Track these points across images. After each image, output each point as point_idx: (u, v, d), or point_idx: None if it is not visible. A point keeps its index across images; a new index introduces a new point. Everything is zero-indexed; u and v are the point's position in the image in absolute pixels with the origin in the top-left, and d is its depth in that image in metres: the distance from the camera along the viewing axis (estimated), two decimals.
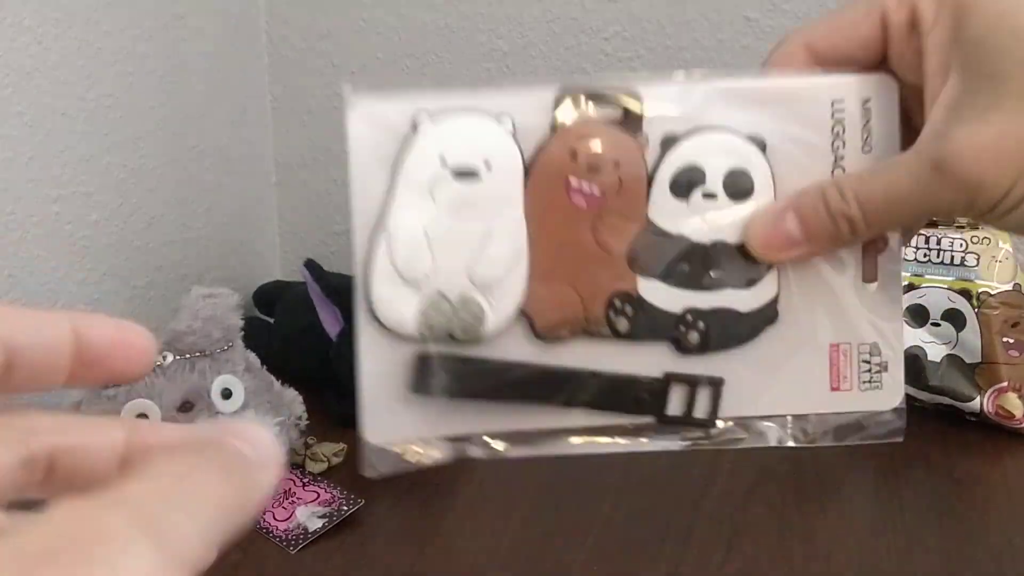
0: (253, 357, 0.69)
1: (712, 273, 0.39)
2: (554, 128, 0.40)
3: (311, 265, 0.81)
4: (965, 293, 0.82)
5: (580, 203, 0.40)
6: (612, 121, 0.40)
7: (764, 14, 0.84)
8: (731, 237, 0.39)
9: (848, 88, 0.39)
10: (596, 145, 0.40)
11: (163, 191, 0.81)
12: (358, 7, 0.95)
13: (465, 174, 0.39)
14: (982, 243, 0.81)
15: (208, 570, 0.17)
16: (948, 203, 0.35)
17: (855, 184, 0.36)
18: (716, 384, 0.39)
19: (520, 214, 0.40)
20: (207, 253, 0.87)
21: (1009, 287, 0.80)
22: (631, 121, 0.40)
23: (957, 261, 0.82)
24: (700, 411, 0.39)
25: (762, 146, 0.40)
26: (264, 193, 0.98)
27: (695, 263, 0.39)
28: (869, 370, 0.39)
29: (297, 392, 0.71)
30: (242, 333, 0.68)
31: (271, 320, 0.89)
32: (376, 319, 0.40)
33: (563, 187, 0.40)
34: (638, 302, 0.39)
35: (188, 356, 0.63)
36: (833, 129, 0.39)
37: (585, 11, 0.90)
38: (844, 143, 0.39)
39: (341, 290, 0.76)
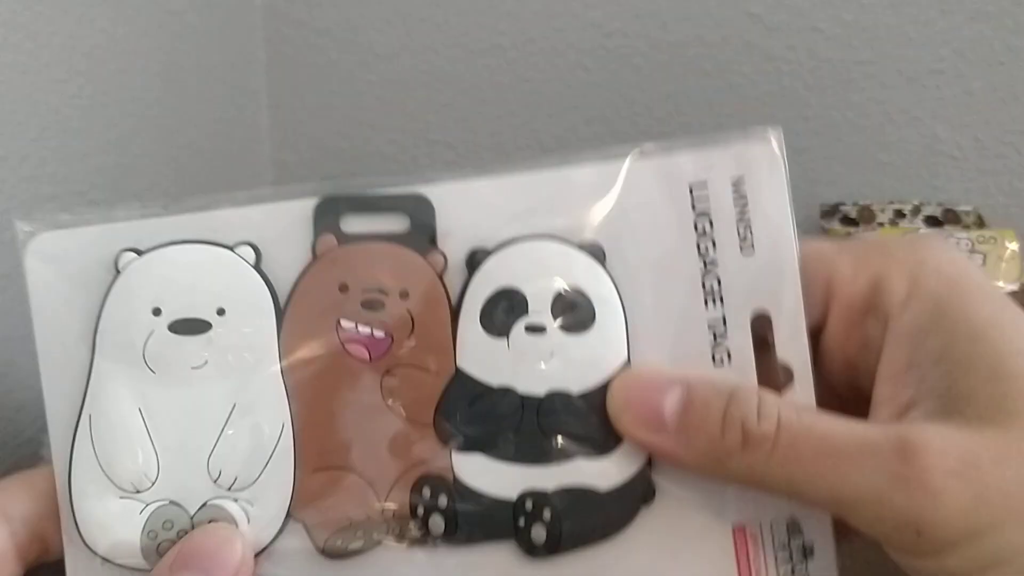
0: None
1: (553, 438, 0.28)
2: (316, 252, 0.28)
3: None
4: None
5: (359, 353, 0.28)
6: (395, 237, 0.29)
7: (768, 9, 0.80)
8: (573, 384, 0.28)
9: (710, 165, 0.28)
10: (374, 271, 0.28)
11: (158, 190, 0.79)
12: (357, 3, 0.90)
13: (189, 327, 0.27)
14: (988, 242, 0.75)
15: None
16: (891, 507, 0.24)
17: (785, 405, 0.26)
18: None
19: (276, 376, 0.28)
20: None
21: (1016, 286, 0.74)
22: (420, 235, 0.29)
23: None
24: None
25: (599, 255, 0.29)
26: None
27: (528, 425, 0.28)
28: (789, 558, 0.28)
29: None
30: None
31: None
32: (85, 545, 0.27)
33: (334, 333, 0.28)
34: (456, 488, 0.28)
35: None
36: (696, 225, 0.28)
37: (586, 7, 0.86)
38: (714, 243, 0.28)
39: None
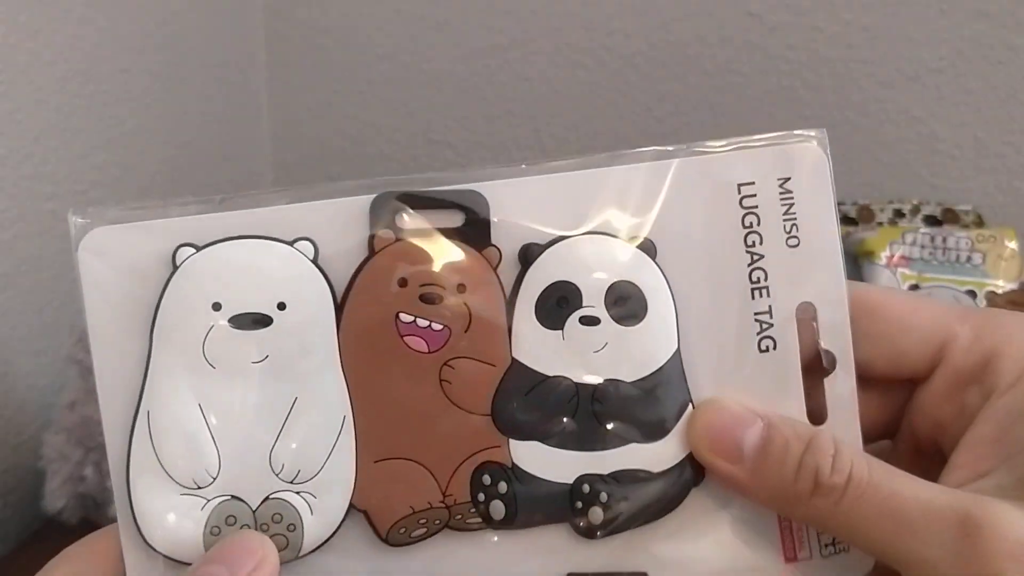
0: None
1: (608, 424, 0.28)
2: (373, 248, 0.28)
3: None
4: (971, 292, 0.77)
5: (418, 345, 0.28)
6: (450, 232, 0.29)
7: (768, 9, 0.81)
8: (626, 372, 0.29)
9: (757, 165, 0.29)
10: (432, 266, 0.29)
11: (158, 189, 0.81)
12: (357, 3, 0.91)
13: (249, 322, 0.27)
14: (988, 241, 0.76)
15: None
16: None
17: (859, 458, 0.26)
18: None
19: (336, 369, 0.28)
20: None
21: (1015, 285, 0.77)
22: (475, 230, 0.29)
23: (963, 259, 0.77)
24: None
25: (650, 250, 0.30)
26: None
27: (583, 413, 0.28)
28: (832, 542, 0.29)
29: None
30: None
31: None
32: (145, 542, 0.27)
33: (393, 326, 0.28)
34: (514, 475, 0.29)
35: None
36: (744, 220, 0.29)
37: (586, 7, 0.86)
38: (760, 237, 0.29)
39: None
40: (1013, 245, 0.78)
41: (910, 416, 0.29)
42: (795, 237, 0.29)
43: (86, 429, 0.58)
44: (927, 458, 0.28)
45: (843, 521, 0.26)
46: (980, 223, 0.79)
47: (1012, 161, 0.79)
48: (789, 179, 0.29)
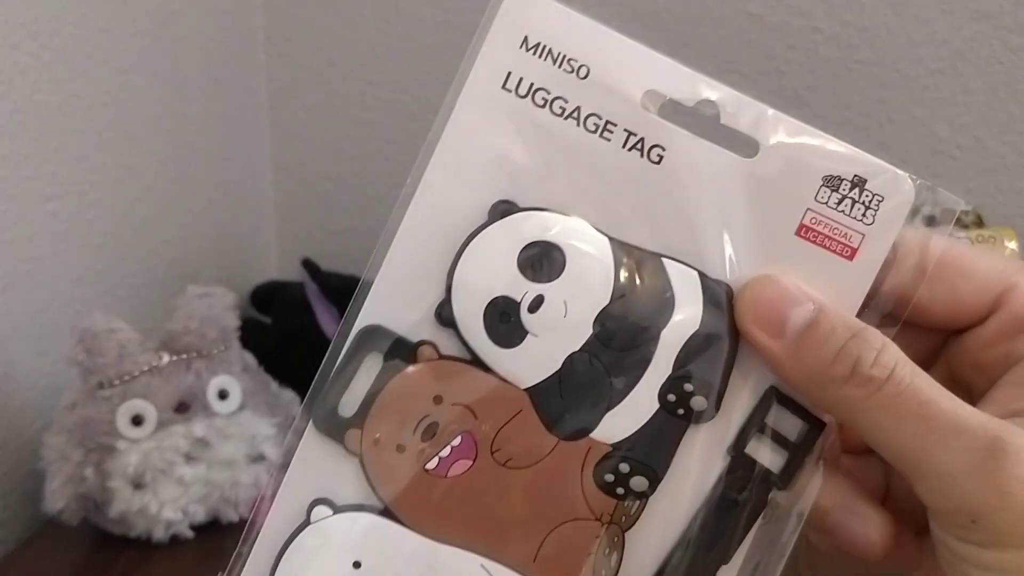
0: (250, 357, 0.66)
1: (632, 341, 0.28)
2: (353, 452, 0.29)
3: (308, 264, 0.80)
4: None
5: (463, 468, 0.29)
6: (384, 374, 0.29)
7: (767, 9, 0.80)
8: (603, 297, 0.28)
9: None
10: (398, 411, 0.29)
11: (159, 189, 0.80)
12: (357, 3, 0.90)
13: None
14: (988, 241, 0.75)
15: None
16: (960, 489, 0.25)
17: (905, 362, 0.26)
18: None
19: (441, 552, 0.29)
20: (203, 252, 0.86)
21: None
22: (396, 352, 0.29)
23: None
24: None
25: (511, 210, 0.29)
26: (261, 191, 0.97)
27: (610, 358, 0.28)
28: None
29: (295, 393, 0.67)
30: (239, 333, 0.64)
31: (268, 320, 0.86)
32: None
33: (433, 479, 0.28)
34: (623, 450, 0.28)
35: (184, 356, 0.61)
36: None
37: (585, 6, 0.84)
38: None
39: (339, 290, 0.77)
40: (1013, 245, 0.78)
41: (948, 357, 0.29)
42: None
43: (86, 430, 0.58)
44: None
45: (871, 415, 0.25)
46: (980, 223, 0.78)
47: (1012, 161, 0.79)
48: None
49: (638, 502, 0.27)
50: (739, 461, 0.27)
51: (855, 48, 0.79)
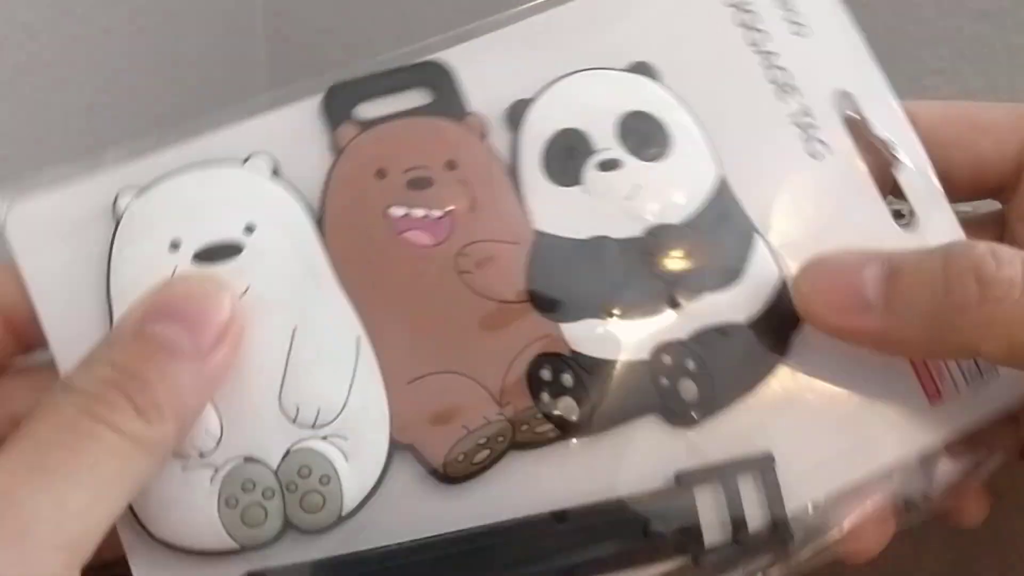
0: None
1: (667, 278, 0.24)
2: (337, 146, 0.24)
3: None
4: None
5: (420, 239, 0.24)
6: (420, 111, 0.25)
7: None
8: (672, 214, 0.24)
9: None
10: (409, 147, 0.25)
11: None
12: (357, 3, 0.88)
13: (218, 253, 0.23)
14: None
15: None
16: None
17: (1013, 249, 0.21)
18: (764, 466, 0.22)
19: (333, 286, 0.23)
20: None
21: None
22: (447, 102, 0.25)
23: None
24: (756, 520, 0.23)
25: (652, 73, 0.26)
26: None
27: (637, 273, 0.23)
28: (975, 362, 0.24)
29: None
30: None
31: None
32: (149, 535, 0.22)
33: (385, 225, 0.23)
34: (578, 362, 0.23)
35: None
36: (737, 19, 0.26)
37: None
38: (762, 33, 0.26)
39: None
40: None
41: (1010, 242, 0.23)
42: (798, 24, 0.25)
43: None
44: None
45: None
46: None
47: None
48: None
49: (550, 429, 0.23)
50: (685, 493, 0.23)
51: None
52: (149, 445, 0.20)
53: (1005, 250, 0.21)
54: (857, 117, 0.26)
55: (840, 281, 0.22)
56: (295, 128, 0.24)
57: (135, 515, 0.22)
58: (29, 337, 0.23)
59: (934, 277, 0.21)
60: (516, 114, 0.25)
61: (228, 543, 0.22)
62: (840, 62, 0.26)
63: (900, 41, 0.81)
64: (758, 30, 0.26)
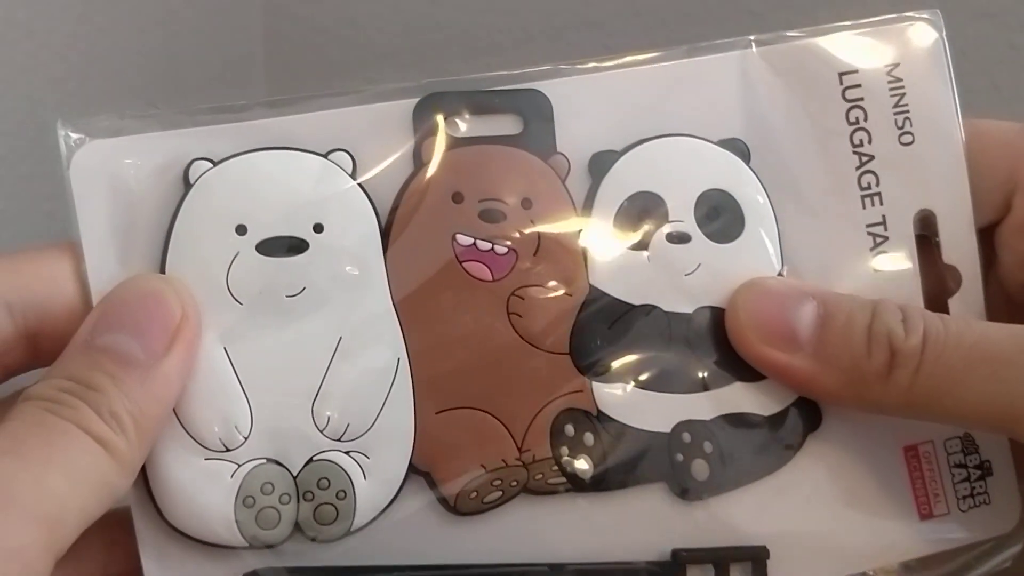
0: None
1: (706, 360, 0.24)
2: (421, 158, 0.23)
3: None
4: None
5: (481, 273, 0.24)
6: (510, 139, 0.25)
7: (769, 8, 0.76)
8: (726, 299, 0.24)
9: (860, 51, 0.24)
10: (491, 178, 0.24)
11: None
12: (357, 2, 0.84)
13: (282, 248, 0.22)
14: None
15: None
16: None
17: (935, 323, 0.23)
18: (758, 558, 0.24)
19: (387, 302, 0.23)
20: None
21: None
22: (539, 136, 0.25)
23: None
24: None
25: (744, 154, 0.25)
26: None
27: (677, 348, 0.24)
28: (967, 477, 0.25)
29: None
30: None
31: None
32: (164, 520, 0.22)
33: (450, 250, 0.23)
34: (602, 423, 0.24)
35: None
36: (849, 115, 0.24)
37: (586, 5, 0.81)
38: (869, 134, 0.25)
39: None
40: None
41: (995, 266, 0.25)
42: (909, 133, 0.25)
43: None
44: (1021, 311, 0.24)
45: (932, 390, 0.22)
46: None
47: None
48: (898, 65, 0.25)
49: (563, 483, 0.24)
50: (679, 570, 0.24)
51: None
52: (115, 450, 0.20)
53: (914, 316, 0.22)
54: (932, 238, 0.26)
55: (775, 313, 0.23)
56: (385, 130, 0.24)
57: (151, 496, 0.22)
58: (41, 350, 0.22)
59: (859, 336, 0.23)
60: (600, 164, 0.25)
61: (238, 540, 0.22)
62: (933, 180, 0.26)
63: None
64: (865, 129, 0.25)
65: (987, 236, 0.26)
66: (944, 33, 0.25)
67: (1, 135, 0.63)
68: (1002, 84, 0.78)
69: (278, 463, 0.23)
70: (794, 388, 0.24)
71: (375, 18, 0.89)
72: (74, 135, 0.23)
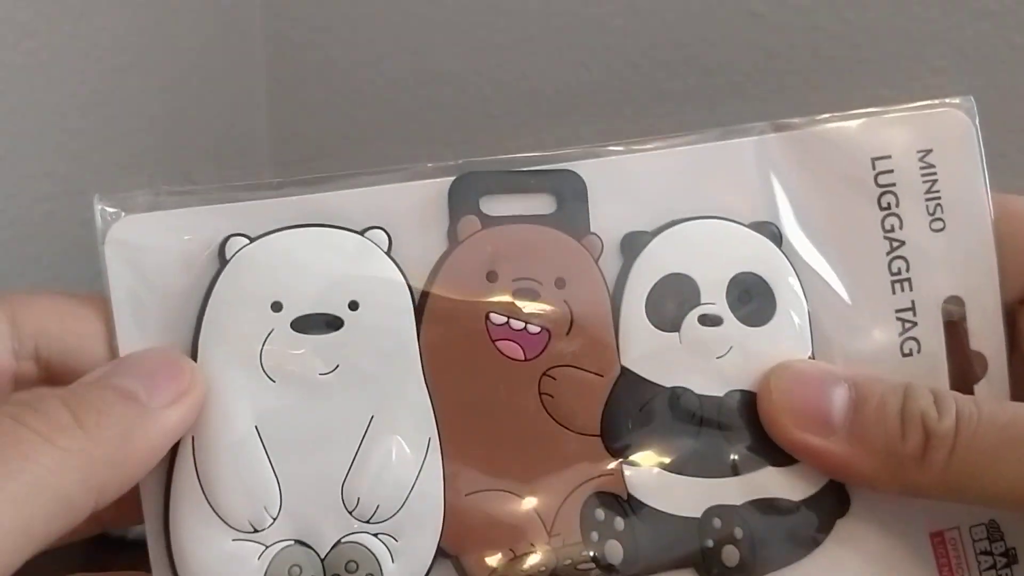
0: None
1: (737, 444, 0.24)
2: (456, 237, 0.23)
3: None
4: None
5: (514, 352, 0.24)
6: (544, 219, 0.25)
7: (771, 8, 0.77)
8: (756, 382, 0.24)
9: (894, 137, 0.24)
10: (525, 257, 0.24)
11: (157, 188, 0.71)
12: (357, 3, 0.87)
13: (318, 325, 0.22)
14: None
15: None
16: None
17: (967, 404, 0.23)
18: None
19: (419, 382, 0.23)
20: None
21: None
22: (572, 216, 0.25)
23: None
24: None
25: (776, 238, 0.25)
26: None
27: (708, 431, 0.24)
28: (993, 565, 0.25)
29: None
30: None
31: None
32: None
33: (483, 329, 0.23)
34: (631, 507, 0.24)
35: None
36: (880, 201, 0.24)
37: (586, 5, 0.82)
38: (900, 220, 0.25)
39: None
40: None
41: (1019, 348, 0.25)
42: (940, 220, 0.25)
43: None
44: None
45: (968, 470, 0.22)
46: None
47: (1014, 161, 0.76)
48: (931, 151, 0.25)
49: (593, 568, 0.23)
50: None
51: (857, 47, 0.77)
52: (80, 458, 0.19)
53: (946, 397, 0.23)
54: (960, 323, 0.26)
55: (809, 397, 0.23)
56: (420, 208, 0.24)
57: (173, 567, 0.22)
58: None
59: (893, 418, 0.23)
60: (633, 245, 0.25)
61: None
62: (963, 266, 0.26)
63: (901, 40, 0.81)
64: (896, 215, 0.26)
65: (1010, 314, 0.26)
66: (977, 120, 0.25)
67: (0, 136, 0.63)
68: (1001, 84, 0.79)
69: (306, 545, 0.22)
70: (829, 472, 0.24)
71: (375, 19, 0.88)
72: (110, 209, 0.23)
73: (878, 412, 0.23)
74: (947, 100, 0.26)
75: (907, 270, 0.26)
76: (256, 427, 0.23)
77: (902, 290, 0.26)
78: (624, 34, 0.85)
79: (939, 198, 0.26)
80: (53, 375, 0.22)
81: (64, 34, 0.70)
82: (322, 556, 0.22)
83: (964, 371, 0.26)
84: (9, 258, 0.68)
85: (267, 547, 0.22)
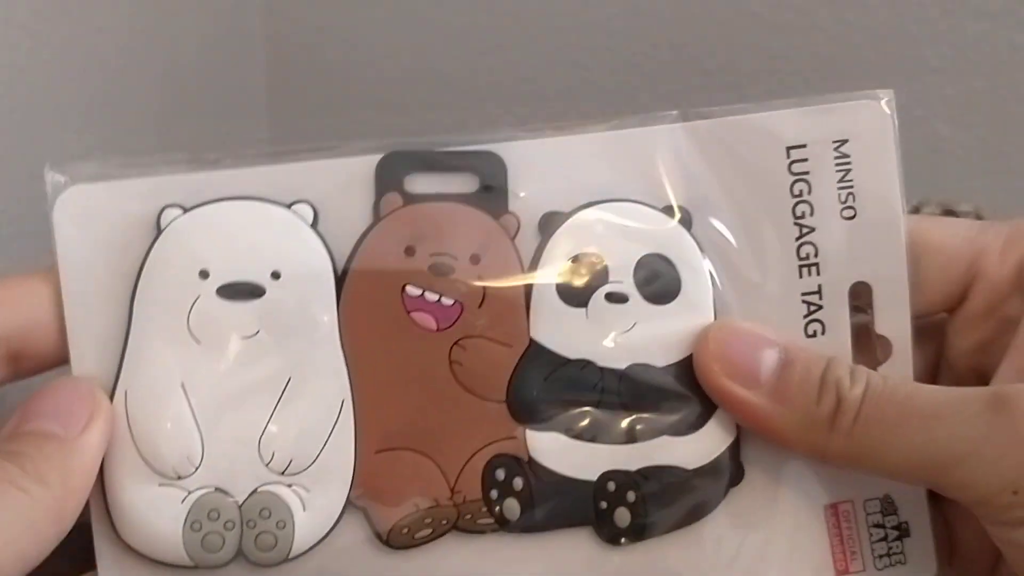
0: None
1: (636, 414, 0.25)
2: (379, 213, 0.25)
3: None
4: None
5: (426, 322, 0.25)
6: (464, 197, 0.26)
7: (770, 9, 0.78)
8: (657, 357, 0.25)
9: (809, 126, 0.26)
10: (443, 234, 0.26)
11: None
12: (357, 3, 0.88)
13: (240, 292, 0.24)
14: None
15: None
16: (983, 464, 0.23)
17: (876, 378, 0.24)
18: None
19: (335, 347, 0.25)
20: None
21: None
22: (492, 196, 0.27)
23: None
24: None
25: (685, 220, 0.27)
26: None
27: (609, 401, 0.25)
28: (884, 537, 0.26)
29: None
30: None
31: None
32: (119, 538, 0.24)
33: (399, 300, 0.25)
34: (531, 469, 0.26)
35: None
36: (793, 188, 0.26)
37: (586, 6, 0.83)
38: (812, 207, 0.26)
39: None
40: None
41: (948, 350, 0.27)
42: (851, 208, 0.26)
43: None
44: None
45: (868, 439, 0.24)
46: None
47: (1013, 160, 0.77)
48: (847, 142, 0.26)
49: (491, 523, 0.25)
50: None
51: (857, 47, 0.77)
52: (40, 499, 0.22)
53: (861, 370, 0.24)
54: (865, 311, 0.27)
55: (742, 351, 0.25)
56: (347, 184, 0.26)
57: (109, 516, 0.24)
58: (22, 369, 0.25)
59: (813, 382, 0.24)
60: (549, 224, 0.26)
61: (184, 560, 0.24)
62: (871, 253, 0.27)
63: (901, 40, 0.81)
64: (808, 202, 0.27)
65: (938, 324, 0.28)
66: (895, 115, 0.26)
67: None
68: (1001, 84, 0.79)
69: (225, 492, 0.24)
70: (748, 425, 0.26)
71: (375, 19, 0.89)
72: (60, 178, 0.24)
73: (801, 374, 0.24)
74: (867, 92, 0.27)
75: (815, 255, 0.27)
76: (182, 384, 0.24)
77: (809, 274, 0.27)
78: (624, 35, 0.86)
79: (852, 187, 0.27)
80: (12, 348, 0.24)
81: (64, 34, 0.70)
82: (239, 502, 0.24)
83: (868, 353, 0.27)
84: (9, 258, 0.68)
85: (190, 492, 0.24)
